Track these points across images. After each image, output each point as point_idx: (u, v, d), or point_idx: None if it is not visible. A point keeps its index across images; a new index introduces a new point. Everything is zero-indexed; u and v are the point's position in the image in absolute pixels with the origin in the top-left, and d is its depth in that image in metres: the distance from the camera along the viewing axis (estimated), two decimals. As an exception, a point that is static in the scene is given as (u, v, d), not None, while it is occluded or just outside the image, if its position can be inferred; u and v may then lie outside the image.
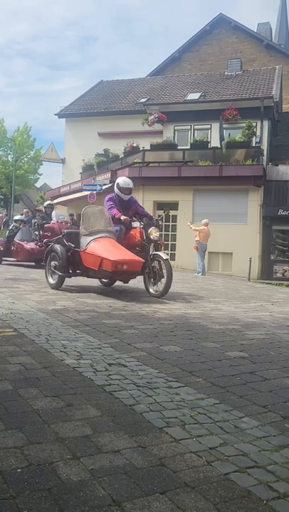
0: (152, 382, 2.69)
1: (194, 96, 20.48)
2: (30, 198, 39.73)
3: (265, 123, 18.42)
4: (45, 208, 13.35)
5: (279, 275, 16.78)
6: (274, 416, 2.30)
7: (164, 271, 6.49)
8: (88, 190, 18.46)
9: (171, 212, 18.21)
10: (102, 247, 6.34)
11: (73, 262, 6.65)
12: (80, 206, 22.37)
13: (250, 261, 15.18)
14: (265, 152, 17.85)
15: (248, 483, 1.64)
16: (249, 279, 14.39)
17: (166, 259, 6.56)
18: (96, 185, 18.31)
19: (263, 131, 18.18)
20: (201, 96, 20.36)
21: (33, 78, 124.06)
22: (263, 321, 5.20)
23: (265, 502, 1.53)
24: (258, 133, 17.96)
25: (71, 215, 20.50)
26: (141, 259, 6.41)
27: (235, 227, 16.48)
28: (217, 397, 2.52)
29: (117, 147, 20.72)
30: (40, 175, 36.04)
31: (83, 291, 6.90)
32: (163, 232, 18.31)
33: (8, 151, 33.13)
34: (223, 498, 1.54)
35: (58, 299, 5.84)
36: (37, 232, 12.55)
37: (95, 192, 17.93)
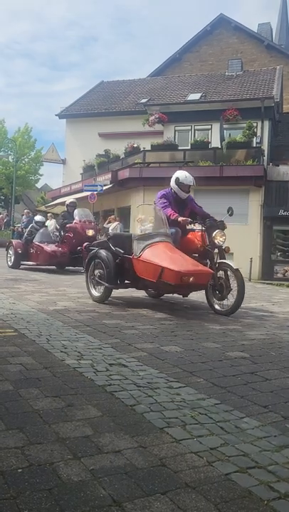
0: (153, 383, 2.68)
1: (195, 96, 20.47)
2: (30, 199, 39.74)
3: (266, 123, 18.40)
4: (67, 206, 12.13)
5: (280, 275, 16.75)
6: (275, 416, 2.29)
7: (234, 283, 5.44)
8: (89, 190, 18.45)
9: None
10: (162, 255, 5.33)
11: (122, 271, 5.65)
12: (80, 207, 22.40)
13: (251, 261, 15.16)
14: (265, 152, 17.83)
15: (249, 483, 1.64)
16: (250, 280, 14.37)
17: (237, 269, 5.47)
18: (97, 185, 18.30)
19: (263, 131, 18.16)
20: (201, 96, 20.36)
21: (34, 78, 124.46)
22: (263, 322, 5.20)
23: (266, 502, 1.53)
24: (259, 133, 17.94)
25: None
26: (210, 270, 5.47)
27: (235, 228, 16.39)
28: (218, 397, 2.52)
29: (118, 148, 20.71)
30: (41, 175, 36.07)
31: (84, 291, 6.90)
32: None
33: (9, 152, 33.15)
34: (224, 499, 1.54)
35: (59, 299, 5.85)
36: (57, 233, 11.48)
37: (95, 192, 17.93)
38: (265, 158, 17.75)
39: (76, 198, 21.30)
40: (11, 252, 11.11)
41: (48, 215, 21.87)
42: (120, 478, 1.63)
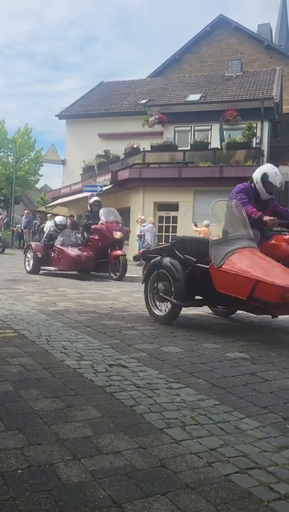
0: (153, 383, 2.68)
1: (194, 97, 20.50)
2: (30, 199, 39.75)
3: (266, 124, 18.43)
4: (90, 205, 10.92)
5: (280, 276, 16.76)
6: (275, 417, 2.29)
7: None
8: (89, 191, 18.46)
9: (171, 213, 18.22)
10: (254, 264, 4.24)
11: (194, 284, 4.48)
12: (80, 207, 22.41)
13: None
14: (265, 153, 17.86)
15: (249, 484, 1.64)
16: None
17: None
18: (96, 186, 18.31)
19: (263, 132, 18.19)
20: (201, 97, 20.38)
21: (34, 79, 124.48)
22: (263, 322, 5.20)
23: (265, 503, 1.53)
24: (259, 134, 17.96)
25: (71, 216, 20.51)
26: None
27: (235, 228, 16.49)
28: (218, 398, 2.51)
29: (118, 148, 20.74)
30: (41, 176, 36.06)
31: (84, 292, 6.90)
32: (163, 234, 18.32)
33: (9, 153, 33.15)
34: (224, 499, 1.53)
35: (59, 300, 5.84)
36: (79, 235, 10.47)
37: (95, 193, 17.93)
38: (265, 158, 17.77)
39: (76, 199, 21.41)
40: (29, 255, 10.05)
41: (48, 215, 21.91)
42: (120, 479, 1.63)
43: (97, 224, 9.98)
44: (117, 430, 2.02)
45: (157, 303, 4.82)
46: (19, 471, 1.64)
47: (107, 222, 9.94)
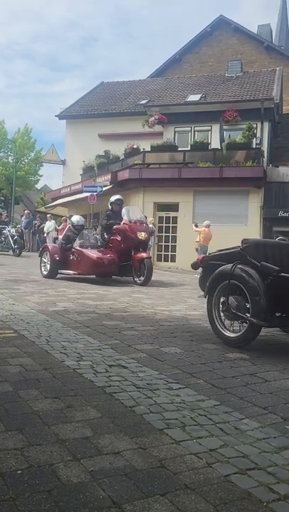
0: (152, 384, 2.68)
1: (195, 97, 20.48)
2: (30, 200, 39.74)
3: (266, 124, 18.41)
4: (111, 204, 9.91)
5: (279, 276, 16.76)
6: (274, 418, 2.29)
7: None
8: (89, 191, 18.46)
9: (171, 214, 18.21)
10: None
11: (276, 299, 3.70)
12: (80, 208, 22.41)
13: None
14: (265, 153, 17.84)
15: (249, 484, 1.64)
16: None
17: None
18: (96, 186, 18.30)
19: (263, 132, 18.16)
20: (201, 97, 20.37)
21: (34, 79, 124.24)
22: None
23: (265, 504, 1.53)
24: (259, 134, 17.95)
25: (71, 216, 20.50)
26: None
27: (235, 229, 16.44)
28: (217, 398, 2.51)
29: (118, 148, 20.72)
30: (41, 176, 36.01)
31: (84, 292, 6.90)
32: (163, 234, 18.33)
33: (9, 153, 33.15)
34: (224, 500, 1.54)
35: (59, 300, 5.84)
36: (98, 236, 9.67)
37: (95, 193, 17.94)
38: (265, 159, 17.76)
39: (76, 199, 21.40)
40: (45, 258, 9.17)
41: (48, 216, 21.89)
42: (120, 479, 1.63)
43: (119, 224, 9.19)
44: (117, 431, 2.02)
45: (226, 321, 4.00)
46: (19, 472, 1.64)
47: (130, 222, 9.13)
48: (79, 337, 3.79)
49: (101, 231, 10.01)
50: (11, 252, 15.88)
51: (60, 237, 10.15)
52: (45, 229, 20.14)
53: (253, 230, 16.95)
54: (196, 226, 14.82)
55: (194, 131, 19.84)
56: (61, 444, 1.87)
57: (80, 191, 20.44)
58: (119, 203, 9.92)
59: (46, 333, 3.83)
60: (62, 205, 24.57)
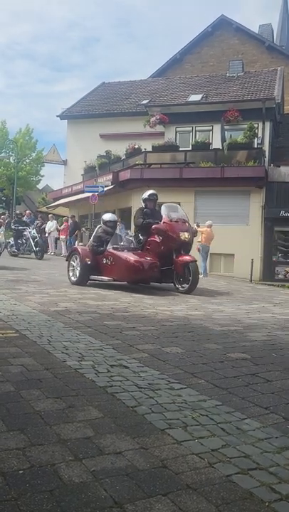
0: (154, 384, 2.68)
1: (196, 97, 20.48)
2: (32, 200, 39.79)
3: (267, 124, 18.40)
4: (145, 200, 8.76)
5: (281, 276, 16.74)
6: (276, 418, 2.29)
7: None
8: (90, 191, 18.47)
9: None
10: None
11: None
12: (82, 208, 22.42)
13: (252, 262, 15.15)
14: (266, 153, 17.83)
15: (250, 484, 1.64)
16: (251, 281, 14.37)
17: None
18: (98, 186, 18.31)
19: (264, 132, 18.15)
20: (202, 97, 20.36)
21: (35, 79, 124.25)
22: (265, 323, 5.19)
23: (267, 504, 1.53)
24: (260, 134, 17.93)
25: (72, 216, 20.52)
26: None
27: (237, 229, 16.46)
28: (219, 398, 2.51)
29: (119, 149, 20.72)
30: (42, 176, 36.10)
31: (85, 292, 6.90)
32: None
33: (10, 153, 33.21)
34: (225, 500, 1.53)
35: (60, 300, 5.85)
36: (131, 238, 8.62)
37: (96, 193, 17.94)
38: (266, 159, 17.75)
39: (77, 199, 21.41)
40: (75, 262, 8.18)
41: (49, 216, 21.90)
42: (121, 479, 1.63)
43: (159, 223, 8.18)
44: (119, 431, 2.02)
45: None
46: (21, 472, 1.65)
47: (171, 220, 8.15)
48: (80, 337, 3.79)
49: (135, 231, 8.95)
50: (33, 255, 14.79)
51: (64, 236, 10.07)
52: (46, 229, 20.13)
53: (254, 229, 16.95)
54: (198, 226, 14.81)
55: (195, 131, 19.84)
56: (63, 444, 1.87)
57: (82, 191, 20.46)
58: (154, 199, 8.84)
59: (48, 333, 3.83)
60: (64, 205, 24.58)
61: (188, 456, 1.83)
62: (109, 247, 7.95)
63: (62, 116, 25.47)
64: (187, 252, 8.07)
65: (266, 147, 18.06)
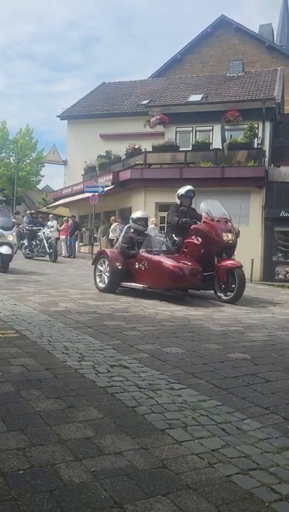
0: (154, 384, 2.68)
1: (196, 97, 20.48)
2: (32, 200, 39.81)
3: (267, 124, 18.40)
4: (181, 197, 7.95)
5: (281, 276, 16.75)
6: (276, 418, 2.29)
7: None
8: (90, 191, 18.47)
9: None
10: None
11: None
12: (82, 208, 22.42)
13: (252, 262, 15.15)
14: (267, 153, 17.83)
15: (250, 485, 1.64)
16: (251, 281, 14.36)
17: None
18: (98, 186, 18.31)
19: (264, 132, 18.15)
20: (202, 97, 20.36)
21: (35, 79, 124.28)
22: (265, 323, 5.19)
23: (267, 504, 1.53)
24: (260, 134, 17.93)
25: (73, 216, 20.51)
26: None
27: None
28: (219, 398, 2.51)
29: (119, 149, 20.73)
30: (42, 176, 36.13)
31: (85, 293, 6.91)
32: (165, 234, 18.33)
33: (10, 153, 33.23)
34: (225, 500, 1.54)
35: (60, 300, 5.85)
36: (162, 239, 7.73)
37: (97, 194, 17.94)
38: (267, 159, 17.75)
39: (78, 199, 21.42)
40: (102, 267, 7.33)
41: (50, 216, 21.90)
42: (121, 479, 1.63)
43: (196, 222, 7.36)
44: (119, 431, 2.02)
45: None
46: (21, 472, 1.65)
47: (212, 219, 7.24)
48: (81, 337, 3.79)
49: (167, 232, 8.07)
50: (47, 257, 14.09)
51: (64, 237, 9.41)
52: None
53: (254, 229, 16.95)
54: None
55: (196, 131, 19.84)
56: (63, 444, 1.87)
57: (82, 191, 20.46)
58: (192, 196, 8.05)
59: (48, 334, 3.83)
60: (64, 205, 24.60)
61: (188, 456, 1.83)
62: (143, 250, 7.03)
63: (62, 117, 25.48)
64: (230, 256, 7.19)
65: (266, 147, 18.06)
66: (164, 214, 18.63)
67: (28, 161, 34.03)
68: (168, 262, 6.70)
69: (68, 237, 19.53)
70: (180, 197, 8.00)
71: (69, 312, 4.99)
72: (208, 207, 7.63)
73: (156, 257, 6.88)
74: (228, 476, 1.69)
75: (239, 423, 2.19)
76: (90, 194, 18.35)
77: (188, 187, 8.15)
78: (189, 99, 20.46)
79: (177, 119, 19.57)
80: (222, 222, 7.30)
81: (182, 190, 8.07)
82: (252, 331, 4.60)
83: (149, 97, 22.74)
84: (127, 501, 1.50)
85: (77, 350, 3.34)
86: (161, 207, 18.42)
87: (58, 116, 25.60)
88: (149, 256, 6.93)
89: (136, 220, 7.59)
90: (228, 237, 7.09)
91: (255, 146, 17.81)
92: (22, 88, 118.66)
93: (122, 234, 8.02)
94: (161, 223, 18.29)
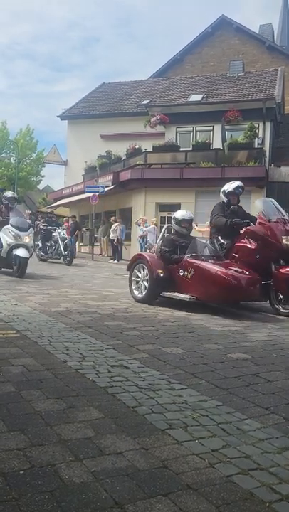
0: (155, 384, 2.68)
1: (196, 97, 20.49)
2: (32, 200, 39.83)
3: (268, 124, 18.41)
4: (228, 194, 6.99)
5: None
6: (277, 418, 2.29)
7: None
8: (91, 191, 18.49)
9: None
10: None
11: None
12: (82, 208, 22.42)
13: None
14: (267, 153, 17.84)
15: (251, 485, 1.64)
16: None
17: None
18: (98, 186, 18.33)
19: (265, 132, 18.16)
20: (203, 97, 20.37)
21: (35, 79, 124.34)
22: (265, 323, 5.19)
23: (267, 504, 1.53)
24: (261, 134, 17.94)
25: (73, 216, 20.52)
26: None
27: (237, 229, 16.49)
28: (219, 399, 2.51)
29: (120, 149, 20.75)
30: (43, 177, 36.17)
31: (86, 293, 6.91)
32: (165, 234, 18.34)
33: (11, 153, 33.26)
34: (226, 501, 1.53)
35: (61, 301, 5.85)
36: (203, 241, 6.69)
37: (97, 194, 17.96)
38: (267, 159, 17.76)
39: (78, 200, 21.43)
40: (140, 274, 6.48)
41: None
42: (122, 480, 1.63)
43: (249, 223, 6.55)
44: (119, 431, 2.02)
45: None
46: (21, 472, 1.65)
47: (269, 220, 6.27)
48: (81, 337, 3.79)
49: (212, 233, 7.08)
50: (61, 260, 13.44)
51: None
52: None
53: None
54: (196, 225, 14.81)
55: (196, 131, 19.85)
56: (63, 444, 1.87)
57: (82, 192, 20.48)
58: (240, 193, 7.13)
59: (48, 334, 3.84)
60: (65, 205, 24.61)
61: (188, 456, 1.83)
62: (188, 255, 6.10)
63: (62, 117, 25.50)
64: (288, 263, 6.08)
65: (267, 147, 18.07)
66: (165, 214, 18.69)
67: (28, 161, 34.08)
68: (221, 269, 5.76)
69: (69, 237, 19.56)
70: (227, 194, 6.97)
71: (70, 312, 4.99)
72: (264, 206, 6.66)
73: (206, 264, 5.92)
74: (229, 476, 1.69)
75: (239, 423, 2.19)
76: (90, 194, 18.37)
77: (238, 183, 7.20)
78: (190, 99, 20.48)
79: (177, 119, 19.59)
80: (280, 223, 6.23)
81: (230, 187, 7.06)
82: (252, 331, 4.59)
83: (149, 97, 22.76)
84: (127, 501, 1.50)
85: (77, 351, 3.34)
86: (162, 207, 18.43)
87: (58, 117, 25.65)
88: (197, 262, 5.97)
89: (179, 222, 6.65)
90: (288, 240, 6.06)
91: (256, 146, 17.82)
92: (22, 88, 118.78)
93: (161, 236, 7.12)
94: (161, 223, 18.32)
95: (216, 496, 1.55)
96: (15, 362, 2.98)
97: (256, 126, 17.80)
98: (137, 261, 6.70)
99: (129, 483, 1.61)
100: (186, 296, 5.93)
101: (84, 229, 22.20)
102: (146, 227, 16.15)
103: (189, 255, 6.10)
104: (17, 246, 8.32)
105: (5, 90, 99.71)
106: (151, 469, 1.71)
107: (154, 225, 16.09)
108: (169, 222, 7.21)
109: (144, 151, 19.27)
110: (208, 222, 14.11)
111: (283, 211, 6.61)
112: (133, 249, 17.20)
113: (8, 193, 9.86)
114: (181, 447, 1.90)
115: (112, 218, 18.77)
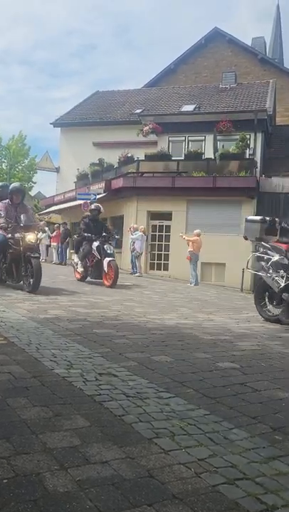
0: (142, 393, 2.67)
1: (189, 108, 20.67)
2: (24, 206, 39.72)
3: (259, 135, 18.59)
4: None
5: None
6: (264, 427, 2.29)
7: None
8: (82, 199, 18.50)
9: (164, 223, 18.24)
10: None
11: None
12: (73, 215, 22.38)
13: (243, 272, 15.21)
14: (258, 164, 18.00)
15: (237, 495, 1.63)
16: (242, 290, 14.41)
17: None
18: (90, 194, 18.35)
19: (256, 143, 18.34)
20: (195, 108, 20.55)
21: (32, 85, 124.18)
22: (254, 332, 5.20)
23: (253, 514, 1.52)
24: (252, 145, 18.12)
25: (64, 223, 20.49)
26: None
27: (228, 238, 16.54)
28: (207, 407, 2.51)
29: (112, 157, 20.80)
30: (35, 183, 36.16)
31: (75, 300, 6.87)
32: (156, 243, 18.36)
33: (3, 159, 33.22)
34: (211, 510, 1.52)
35: (50, 307, 5.81)
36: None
37: (88, 201, 17.95)
38: (258, 169, 17.91)
39: (70, 207, 21.39)
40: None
41: (41, 223, 21.85)
42: (107, 489, 1.61)
43: None
44: (105, 440, 2.01)
45: None
46: (5, 481, 1.62)
47: None
48: (69, 345, 3.76)
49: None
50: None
51: (55, 244, 6.89)
52: (38, 236, 20.03)
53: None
54: (183, 234, 14.87)
55: (188, 140, 19.99)
56: (49, 452, 1.85)
57: (74, 199, 20.48)
58: None
59: (36, 341, 3.80)
60: (56, 212, 24.56)
61: (174, 465, 1.82)
62: (273, 272, 5.33)
63: (55, 124, 25.54)
64: None
65: (258, 158, 18.25)
66: (156, 223, 18.72)
67: (20, 167, 34.05)
68: None
69: (60, 244, 19.49)
70: None
71: (58, 319, 4.96)
72: None
73: None
74: (215, 486, 1.68)
75: (227, 432, 2.18)
76: (82, 201, 18.37)
77: None
78: (182, 109, 20.66)
79: (170, 128, 19.72)
80: None
81: None
82: (241, 340, 4.60)
83: (142, 106, 22.90)
84: (112, 511, 1.48)
85: (65, 358, 3.31)
86: (153, 215, 18.48)
87: (51, 124, 25.67)
88: None
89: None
90: None
91: (247, 157, 17.98)
92: (19, 94, 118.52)
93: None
94: (153, 232, 18.34)
95: (201, 506, 1.54)
96: (1, 369, 2.95)
97: (248, 137, 17.98)
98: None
99: (114, 493, 1.59)
100: None
101: (75, 236, 22.14)
102: (135, 234, 16.07)
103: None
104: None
105: (2, 96, 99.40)
106: (136, 478, 1.70)
107: (142, 233, 16.03)
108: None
109: (136, 159, 19.34)
110: (197, 231, 14.21)
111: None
112: (124, 256, 17.19)
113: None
114: (168, 456, 1.89)
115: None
